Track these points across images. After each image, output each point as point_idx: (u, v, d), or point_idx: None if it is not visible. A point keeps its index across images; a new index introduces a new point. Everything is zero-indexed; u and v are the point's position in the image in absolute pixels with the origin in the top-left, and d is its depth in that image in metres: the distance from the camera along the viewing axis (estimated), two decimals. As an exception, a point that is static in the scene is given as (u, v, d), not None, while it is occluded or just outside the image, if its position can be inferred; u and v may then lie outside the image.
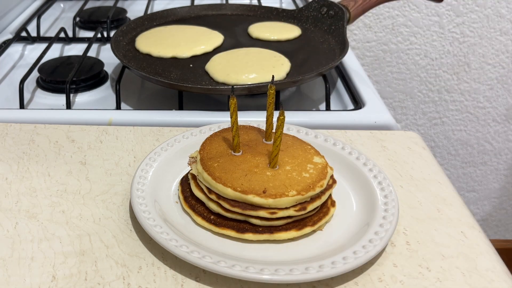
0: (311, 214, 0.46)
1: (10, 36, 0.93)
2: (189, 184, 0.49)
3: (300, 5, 1.09)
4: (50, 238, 0.46)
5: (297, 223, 0.46)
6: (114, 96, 0.71)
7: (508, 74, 1.41)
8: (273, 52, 0.75)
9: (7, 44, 0.87)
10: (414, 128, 1.47)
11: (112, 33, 0.92)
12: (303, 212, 0.45)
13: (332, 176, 0.48)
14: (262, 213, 0.44)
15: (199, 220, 0.46)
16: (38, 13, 0.99)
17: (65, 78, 0.73)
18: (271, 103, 0.48)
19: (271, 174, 0.46)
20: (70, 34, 0.94)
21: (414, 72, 1.42)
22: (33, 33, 0.93)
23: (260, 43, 0.81)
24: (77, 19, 0.98)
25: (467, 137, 1.46)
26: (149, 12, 1.02)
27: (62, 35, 0.91)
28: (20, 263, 0.43)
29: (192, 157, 0.50)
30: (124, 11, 1.06)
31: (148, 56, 0.76)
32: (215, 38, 0.80)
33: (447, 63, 1.41)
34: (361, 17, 1.09)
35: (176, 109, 0.68)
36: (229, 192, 0.44)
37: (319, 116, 0.67)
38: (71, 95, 0.74)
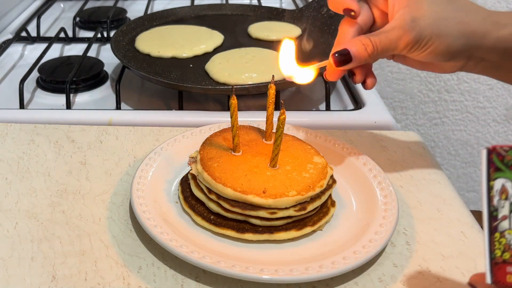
0: (311, 214, 0.46)
1: (10, 36, 0.92)
2: (189, 184, 0.49)
3: (300, 5, 1.09)
4: (50, 238, 0.46)
5: (297, 223, 0.46)
6: (114, 96, 0.71)
7: (508, 74, 1.40)
8: (273, 52, 0.75)
9: (7, 44, 0.87)
10: (414, 128, 1.47)
11: (112, 33, 0.91)
12: (303, 212, 0.45)
13: (332, 176, 0.48)
14: (262, 213, 0.44)
15: (199, 220, 0.46)
16: (38, 13, 0.99)
17: (65, 78, 0.73)
18: (271, 103, 0.48)
19: (271, 174, 0.46)
20: (70, 34, 0.94)
21: (414, 72, 1.42)
22: (33, 33, 0.93)
23: (260, 43, 0.81)
24: (77, 19, 0.98)
25: (467, 137, 1.46)
26: (149, 12, 1.02)
27: (62, 35, 0.91)
28: (20, 263, 0.43)
29: (192, 157, 0.50)
30: (124, 11, 1.06)
31: (148, 56, 0.76)
32: (215, 38, 0.80)
33: (447, 63, 1.41)
34: (361, 17, 1.09)
35: (176, 109, 0.68)
36: (229, 192, 0.44)
37: (319, 116, 0.67)
38: (71, 95, 0.73)
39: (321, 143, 0.56)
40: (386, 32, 0.43)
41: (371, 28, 0.48)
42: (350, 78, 0.47)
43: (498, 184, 0.29)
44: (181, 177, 0.51)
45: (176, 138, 0.56)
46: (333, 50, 0.44)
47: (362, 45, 0.43)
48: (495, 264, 0.29)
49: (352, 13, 0.45)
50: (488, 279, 0.30)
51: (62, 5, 1.14)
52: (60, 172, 0.54)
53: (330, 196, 0.48)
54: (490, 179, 0.29)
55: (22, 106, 0.69)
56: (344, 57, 0.43)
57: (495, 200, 0.29)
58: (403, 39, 0.43)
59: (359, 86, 0.74)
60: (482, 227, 0.48)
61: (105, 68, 0.81)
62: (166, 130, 0.63)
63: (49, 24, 1.04)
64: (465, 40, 0.43)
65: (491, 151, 0.29)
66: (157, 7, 1.10)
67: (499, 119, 1.45)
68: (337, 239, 0.46)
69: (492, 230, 0.29)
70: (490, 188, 0.29)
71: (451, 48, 0.43)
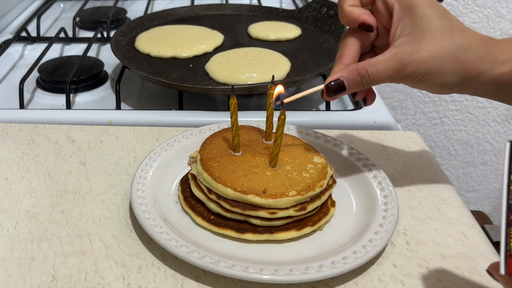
0: (311, 214, 0.46)
1: (10, 36, 0.92)
2: (189, 184, 0.49)
3: (300, 5, 1.09)
4: (50, 238, 0.46)
5: (297, 223, 0.46)
6: (114, 96, 0.71)
7: (508, 74, 1.40)
8: (273, 52, 0.75)
9: (7, 44, 0.87)
10: (414, 128, 1.47)
11: (112, 33, 0.92)
12: (303, 212, 0.45)
13: (332, 176, 0.48)
14: (262, 213, 0.44)
15: (199, 220, 0.46)
16: (38, 13, 0.99)
17: (65, 78, 0.73)
18: (271, 103, 0.48)
19: (271, 174, 0.46)
20: (70, 34, 0.94)
21: (414, 72, 1.42)
22: (33, 33, 0.93)
23: (260, 43, 0.81)
24: (77, 19, 0.98)
25: (467, 137, 1.46)
26: (149, 12, 1.02)
27: (62, 35, 0.91)
28: (20, 263, 0.43)
29: (192, 157, 0.50)
30: (124, 11, 1.06)
31: (148, 56, 0.76)
32: (215, 38, 0.80)
33: (447, 63, 1.41)
34: (361, 17, 1.09)
35: (176, 109, 0.68)
36: (229, 192, 0.44)
37: (319, 116, 0.67)
38: (71, 95, 0.73)
39: (321, 143, 0.56)
40: (384, 63, 0.43)
41: (373, 41, 0.48)
42: (351, 96, 0.47)
43: None
44: (181, 177, 0.52)
45: (176, 138, 0.56)
46: (334, 68, 0.45)
47: (358, 76, 0.44)
48: (510, 256, 0.29)
49: (367, 27, 0.45)
50: (502, 270, 0.29)
51: (62, 5, 1.14)
52: (60, 172, 0.54)
53: (330, 196, 0.48)
54: (511, 172, 0.29)
55: (22, 106, 0.69)
56: (338, 87, 0.44)
57: None
58: (399, 73, 0.43)
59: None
60: (483, 227, 0.48)
61: (105, 68, 0.81)
62: (166, 130, 0.63)
63: (49, 24, 1.04)
64: (459, 77, 0.43)
65: None
66: (157, 7, 1.11)
67: (499, 119, 1.45)
68: (337, 239, 0.46)
69: (510, 223, 0.29)
70: (510, 181, 0.29)
71: (444, 83, 0.44)
